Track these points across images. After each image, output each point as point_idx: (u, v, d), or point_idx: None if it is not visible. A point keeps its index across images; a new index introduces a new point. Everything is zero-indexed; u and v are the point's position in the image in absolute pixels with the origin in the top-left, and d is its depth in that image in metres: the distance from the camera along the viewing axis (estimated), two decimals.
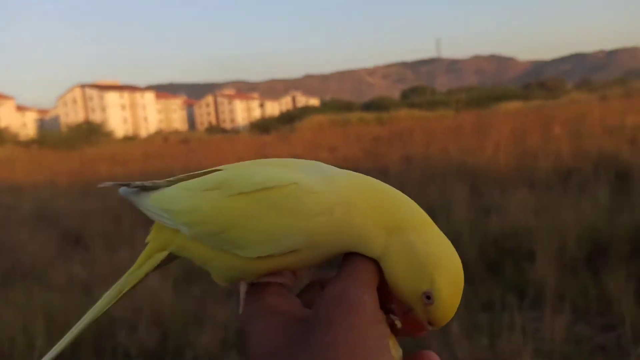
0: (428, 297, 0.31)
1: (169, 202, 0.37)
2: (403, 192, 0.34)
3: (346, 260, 0.33)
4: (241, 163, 0.39)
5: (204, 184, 0.37)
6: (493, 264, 2.69)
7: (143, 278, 0.39)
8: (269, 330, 0.31)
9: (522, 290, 2.40)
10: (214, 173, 0.38)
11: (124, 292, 0.39)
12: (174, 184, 0.39)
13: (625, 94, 13.21)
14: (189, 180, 0.39)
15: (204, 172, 0.39)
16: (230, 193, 0.34)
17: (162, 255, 0.38)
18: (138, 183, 0.40)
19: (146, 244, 0.40)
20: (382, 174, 5.36)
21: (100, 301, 0.39)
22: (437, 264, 0.31)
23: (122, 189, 0.41)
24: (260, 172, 0.35)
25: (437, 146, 6.97)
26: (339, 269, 0.33)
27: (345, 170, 0.35)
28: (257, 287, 0.35)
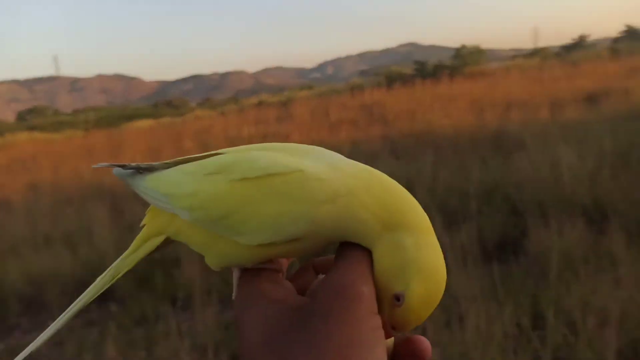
0: (397, 299, 0.31)
1: (167, 185, 0.36)
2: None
3: (344, 249, 0.33)
4: (244, 147, 0.37)
5: (205, 167, 0.35)
6: (143, 278, 2.70)
7: (138, 263, 0.38)
8: (263, 319, 0.30)
9: (174, 296, 2.50)
10: (216, 157, 0.36)
11: (117, 276, 0.38)
12: (170, 166, 0.37)
13: (239, 110, 15.31)
14: (189, 163, 0.37)
15: (203, 156, 0.37)
16: (233, 178, 0.33)
17: (159, 240, 0.37)
18: (133, 165, 0.38)
19: (141, 227, 0.38)
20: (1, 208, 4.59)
21: (93, 285, 0.37)
22: (420, 270, 0.31)
23: (116, 170, 0.38)
24: (264, 157, 0.34)
25: (67, 169, 6.44)
26: (336, 257, 0.33)
27: (352, 161, 0.35)
28: (250, 273, 0.34)
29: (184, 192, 0.35)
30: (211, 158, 0.37)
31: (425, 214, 0.32)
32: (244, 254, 0.33)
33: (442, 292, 0.32)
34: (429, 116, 6.68)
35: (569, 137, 4.11)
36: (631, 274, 2.04)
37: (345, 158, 0.35)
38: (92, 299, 0.38)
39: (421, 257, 0.31)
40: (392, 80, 12.98)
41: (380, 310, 0.31)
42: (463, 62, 16.06)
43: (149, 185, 0.37)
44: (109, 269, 0.38)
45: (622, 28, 21.82)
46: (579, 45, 20.89)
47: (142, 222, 0.39)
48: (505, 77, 10.58)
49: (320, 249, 0.34)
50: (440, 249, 0.32)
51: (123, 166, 0.39)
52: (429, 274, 0.31)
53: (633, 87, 6.65)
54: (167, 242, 0.38)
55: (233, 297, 0.34)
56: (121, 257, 0.39)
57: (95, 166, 0.39)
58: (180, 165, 0.37)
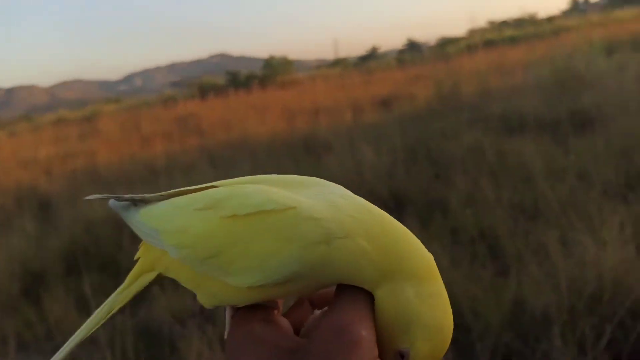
0: (402, 356, 0.29)
1: (157, 220, 0.34)
2: None
3: (343, 288, 0.31)
4: (239, 179, 0.36)
5: (196, 202, 0.33)
6: None
7: (132, 298, 0.37)
8: None
9: None
10: (208, 190, 0.34)
11: (113, 311, 0.37)
12: (165, 198, 0.36)
13: (33, 129, 13.56)
14: (182, 197, 0.35)
15: (198, 188, 0.36)
16: (223, 214, 0.31)
17: (151, 276, 0.36)
18: (127, 196, 0.36)
19: (135, 261, 0.37)
20: None
21: (89, 320, 0.36)
22: (425, 326, 0.29)
23: (111, 202, 0.37)
24: (257, 192, 0.32)
25: None
26: (335, 296, 0.31)
27: (352, 195, 0.32)
28: (243, 311, 0.32)
29: (173, 228, 0.33)
30: (204, 191, 0.34)
31: (431, 256, 0.31)
32: (234, 295, 0.31)
33: (447, 346, 0.30)
34: (244, 125, 6.80)
35: (369, 138, 4.57)
36: None
37: (347, 192, 0.33)
38: (88, 334, 0.37)
39: (426, 311, 0.29)
40: (205, 91, 12.88)
41: None
42: (273, 72, 16.71)
43: (141, 219, 0.35)
44: (104, 304, 0.37)
45: (405, 41, 25.03)
46: (372, 56, 23.41)
47: (136, 256, 0.37)
48: (312, 85, 11.30)
49: (316, 291, 0.33)
50: (446, 297, 0.30)
51: (118, 198, 0.37)
52: (435, 331, 0.29)
53: (416, 92, 7.68)
54: (160, 277, 0.36)
55: (225, 337, 0.33)
56: (115, 292, 0.37)
57: (88, 198, 0.37)
58: (173, 199, 0.35)
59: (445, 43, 16.66)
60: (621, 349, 1.82)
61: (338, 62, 20.80)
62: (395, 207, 3.03)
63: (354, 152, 4.06)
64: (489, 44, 12.88)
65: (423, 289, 0.30)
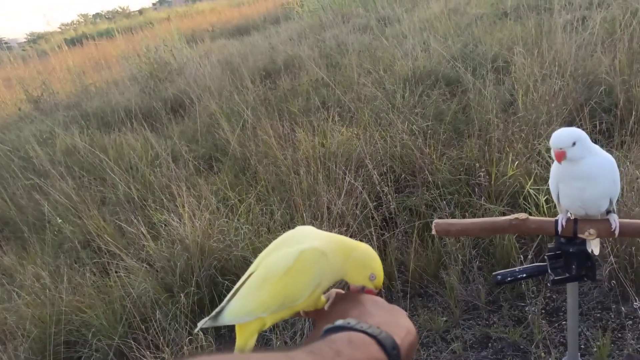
0: (372, 276, 0.61)
1: (242, 309, 0.59)
2: None
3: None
4: (258, 259, 0.62)
5: (251, 287, 0.60)
6: None
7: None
8: None
9: None
10: (253, 276, 0.60)
11: None
12: (230, 298, 0.61)
13: None
14: (242, 290, 0.60)
15: (243, 281, 0.61)
16: (271, 283, 0.58)
17: (254, 338, 0.61)
18: (211, 315, 0.61)
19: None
20: None
21: None
22: (370, 259, 0.61)
23: (208, 323, 0.61)
24: (280, 256, 0.60)
25: None
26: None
27: (321, 232, 0.62)
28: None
29: (255, 305, 0.58)
30: (250, 279, 0.60)
31: (363, 244, 0.63)
32: (292, 312, 0.60)
33: (381, 262, 0.62)
34: None
35: None
36: None
37: (320, 232, 0.63)
38: None
39: (367, 255, 0.61)
40: None
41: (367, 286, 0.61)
42: None
43: (229, 316, 0.60)
44: None
45: None
46: None
47: (237, 338, 0.61)
48: None
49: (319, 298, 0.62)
50: (369, 247, 0.62)
51: (208, 319, 0.61)
52: (375, 259, 0.61)
53: (4, 98, 6.70)
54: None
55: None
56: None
57: (198, 328, 0.64)
58: (238, 294, 0.60)
59: (37, 39, 15.06)
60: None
61: None
62: None
63: None
64: (84, 38, 12.32)
65: (360, 251, 0.61)
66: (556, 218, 0.86)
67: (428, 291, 2.33)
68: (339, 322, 0.50)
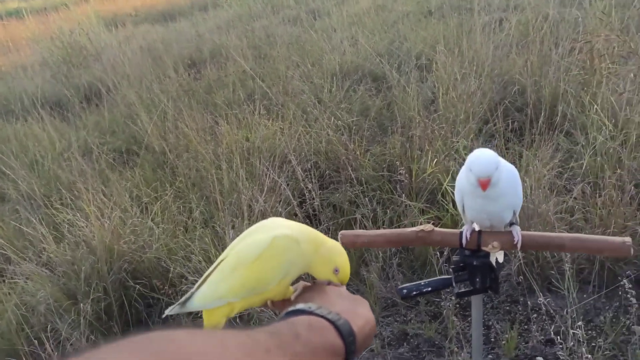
0: (336, 270, 0.62)
1: (213, 294, 0.60)
2: None
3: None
4: (231, 245, 0.63)
5: (223, 272, 0.61)
6: None
7: None
8: None
9: None
10: (225, 261, 0.61)
11: None
12: (200, 287, 0.61)
13: None
14: (212, 276, 0.61)
15: (215, 267, 0.62)
16: (245, 267, 0.59)
17: (223, 321, 0.61)
18: (180, 301, 0.61)
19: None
20: None
21: None
22: (336, 254, 0.63)
23: (175, 309, 0.61)
24: (253, 241, 0.61)
25: None
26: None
27: (293, 222, 0.64)
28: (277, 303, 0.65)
29: (225, 290, 0.59)
30: (221, 265, 0.61)
31: (322, 234, 0.65)
32: (264, 299, 0.62)
33: (347, 257, 0.65)
34: None
35: None
36: None
37: (290, 222, 0.65)
38: None
39: (332, 250, 0.63)
40: None
41: (331, 281, 0.63)
42: None
43: (199, 302, 0.60)
44: None
45: None
46: None
47: (205, 325, 0.61)
48: None
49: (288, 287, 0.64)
50: (336, 242, 0.66)
51: (176, 306, 0.61)
52: (340, 254, 0.64)
53: None
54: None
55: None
56: None
57: (165, 314, 0.63)
58: (208, 280, 0.61)
59: None
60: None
61: None
62: None
63: None
64: None
65: (327, 246, 0.64)
66: (461, 230, 0.85)
67: (349, 289, 2.33)
68: (300, 305, 0.52)
